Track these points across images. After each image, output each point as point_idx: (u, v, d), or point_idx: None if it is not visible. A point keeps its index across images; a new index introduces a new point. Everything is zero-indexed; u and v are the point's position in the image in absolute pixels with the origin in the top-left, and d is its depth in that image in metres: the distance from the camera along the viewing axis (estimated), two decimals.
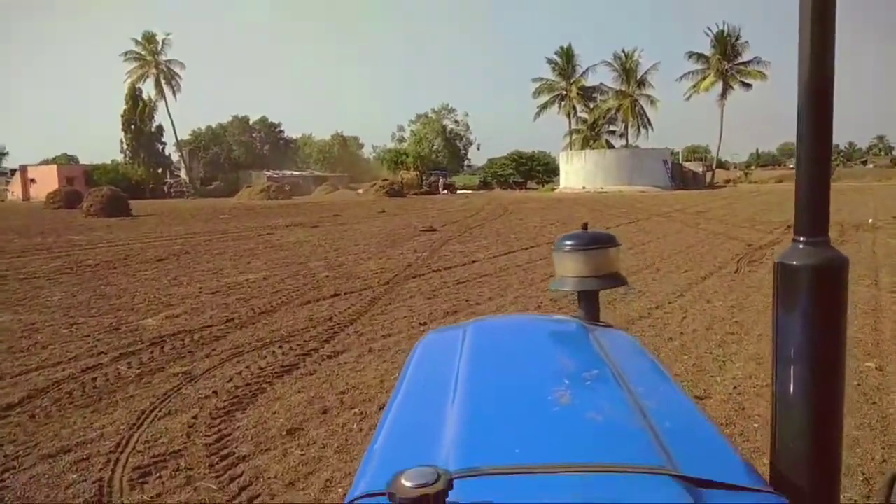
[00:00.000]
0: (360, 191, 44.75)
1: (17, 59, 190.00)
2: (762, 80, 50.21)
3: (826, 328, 0.85)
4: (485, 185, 64.29)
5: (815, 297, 0.85)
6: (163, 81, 60.66)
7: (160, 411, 4.19)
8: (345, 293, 8.21)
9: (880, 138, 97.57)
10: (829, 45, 0.83)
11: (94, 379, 4.83)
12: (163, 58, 60.71)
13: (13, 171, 62.01)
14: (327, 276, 9.60)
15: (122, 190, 50.09)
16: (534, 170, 63.73)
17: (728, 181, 54.43)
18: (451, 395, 1.06)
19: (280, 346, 5.67)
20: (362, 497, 0.78)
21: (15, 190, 57.94)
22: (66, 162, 72.88)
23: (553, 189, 51.24)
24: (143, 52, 60.49)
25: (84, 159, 73.67)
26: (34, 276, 10.10)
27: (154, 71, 60.51)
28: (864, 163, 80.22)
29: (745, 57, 51.27)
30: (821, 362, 0.86)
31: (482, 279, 9.14)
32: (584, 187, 45.93)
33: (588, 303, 1.54)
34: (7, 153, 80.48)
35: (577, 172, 48.08)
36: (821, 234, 0.86)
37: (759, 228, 15.42)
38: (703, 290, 7.87)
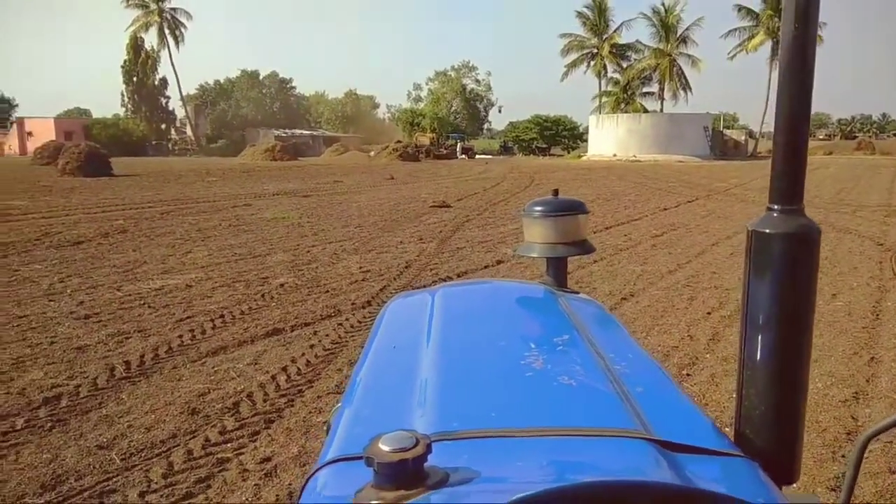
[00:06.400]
0: (372, 153, 41.21)
1: (35, 10, 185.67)
2: (818, 43, 44.84)
3: (796, 295, 0.84)
4: (505, 149, 60.34)
5: (786, 265, 0.83)
6: (166, 31, 57.05)
7: None
8: (293, 326, 5.11)
9: None
10: (813, 15, 0.81)
11: None
12: (167, 5, 56.98)
13: (12, 123, 59.09)
14: (282, 285, 6.49)
15: (122, 146, 47.39)
16: (559, 135, 59.47)
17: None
18: (423, 360, 1.04)
19: None
20: (337, 461, 0.74)
21: (13, 144, 55.21)
22: (78, 116, 70.04)
23: (580, 156, 47.16)
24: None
25: (98, 114, 70.27)
26: None
27: (157, 19, 56.86)
28: None
29: None
30: (789, 328, 0.84)
31: None
32: (614, 155, 41.90)
33: (556, 269, 1.52)
34: (17, 105, 76.76)
35: (608, 138, 43.82)
36: (795, 202, 0.84)
37: (861, 215, 12.01)
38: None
